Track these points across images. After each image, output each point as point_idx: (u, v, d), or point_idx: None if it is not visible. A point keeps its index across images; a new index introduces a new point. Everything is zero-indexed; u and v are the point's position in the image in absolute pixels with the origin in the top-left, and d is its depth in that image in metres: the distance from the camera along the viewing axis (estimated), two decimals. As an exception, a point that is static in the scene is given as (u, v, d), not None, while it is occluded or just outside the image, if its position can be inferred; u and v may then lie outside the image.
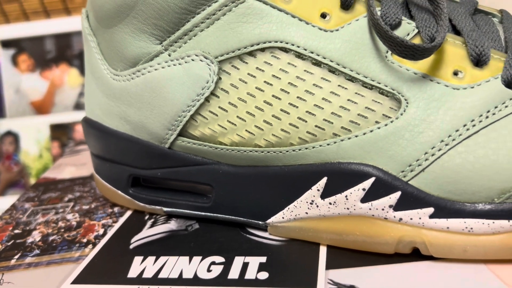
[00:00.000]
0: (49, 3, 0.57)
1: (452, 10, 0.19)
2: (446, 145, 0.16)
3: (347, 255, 0.18)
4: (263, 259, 0.18)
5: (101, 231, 0.22)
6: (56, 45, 0.57)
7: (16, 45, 0.57)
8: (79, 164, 0.31)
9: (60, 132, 0.58)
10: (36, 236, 0.22)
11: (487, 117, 0.16)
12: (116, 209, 0.24)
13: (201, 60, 0.19)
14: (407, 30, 0.17)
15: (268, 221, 0.19)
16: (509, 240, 0.16)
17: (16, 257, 0.21)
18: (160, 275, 0.18)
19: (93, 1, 0.21)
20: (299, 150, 0.18)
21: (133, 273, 0.18)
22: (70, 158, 0.33)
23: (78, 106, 0.57)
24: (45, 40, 0.57)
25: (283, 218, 0.19)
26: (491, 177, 0.15)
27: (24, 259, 0.20)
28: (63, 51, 0.57)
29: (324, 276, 0.17)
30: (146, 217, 0.23)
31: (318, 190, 0.18)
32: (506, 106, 0.16)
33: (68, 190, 0.27)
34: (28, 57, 0.57)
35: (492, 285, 0.15)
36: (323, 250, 0.18)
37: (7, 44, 0.57)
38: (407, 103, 0.17)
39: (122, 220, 0.23)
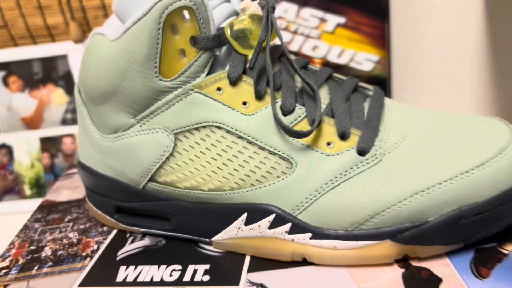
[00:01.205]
0: (35, 29, 0.64)
1: (334, 94, 0.27)
2: (319, 193, 0.25)
3: (261, 262, 0.27)
4: (208, 266, 0.27)
5: (95, 246, 0.31)
6: (43, 68, 0.64)
7: (6, 68, 0.64)
8: (73, 187, 0.40)
9: (49, 144, 0.66)
10: (47, 251, 0.31)
11: (345, 175, 0.25)
12: (105, 228, 0.33)
13: (162, 132, 0.27)
14: (298, 113, 0.26)
15: (213, 239, 0.28)
16: (357, 254, 0.25)
17: (35, 268, 0.29)
18: (138, 279, 0.27)
19: (84, 85, 0.29)
20: (230, 194, 0.27)
21: (119, 278, 0.27)
22: (65, 182, 0.41)
23: (65, 121, 0.65)
24: (33, 63, 0.64)
25: (222, 237, 0.28)
26: (346, 214, 0.25)
27: (42, 270, 0.29)
28: (49, 73, 0.64)
29: (245, 277, 0.26)
30: (128, 235, 0.31)
31: (242, 220, 0.27)
32: (357, 167, 0.25)
33: (67, 212, 0.36)
34: (17, 79, 0.64)
35: (346, 281, 0.24)
36: (247, 259, 0.27)
37: (-2, 67, 0.64)
38: (296, 165, 0.25)
39: (110, 237, 0.31)
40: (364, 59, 0.56)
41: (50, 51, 0.63)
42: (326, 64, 0.56)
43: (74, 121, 0.65)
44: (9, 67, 0.64)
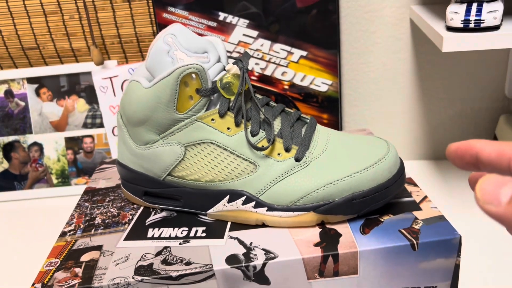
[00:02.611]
0: (62, 51, 0.79)
1: (283, 123, 0.44)
2: (272, 184, 0.42)
3: (237, 225, 0.43)
4: (204, 228, 0.44)
5: (130, 217, 0.47)
6: (68, 82, 0.79)
7: (38, 82, 0.79)
8: (106, 179, 0.56)
9: (73, 143, 0.81)
10: (98, 220, 0.47)
11: (287, 173, 0.42)
12: (135, 206, 0.49)
13: (177, 145, 0.43)
14: (261, 135, 0.43)
15: (207, 211, 0.45)
16: (293, 220, 0.42)
17: (93, 230, 0.45)
18: (161, 236, 0.43)
19: (125, 114, 0.45)
20: (219, 184, 0.43)
21: (149, 235, 0.43)
22: (100, 174, 0.57)
23: (85, 125, 0.80)
24: (60, 78, 0.79)
25: (213, 210, 0.44)
26: (287, 196, 0.41)
27: (97, 231, 0.45)
28: (73, 86, 0.80)
29: (227, 233, 0.42)
30: (151, 210, 0.48)
31: (226, 199, 0.43)
32: (294, 169, 0.42)
33: (106, 195, 0.52)
34: (47, 90, 0.79)
35: (286, 235, 0.41)
36: (229, 224, 0.44)
37: (31, 80, 0.79)
38: (259, 167, 0.42)
39: (139, 211, 0.48)
40: (321, 82, 0.73)
41: (74, 69, 0.79)
42: (292, 85, 0.73)
43: (93, 125, 0.81)
44: (41, 81, 0.79)
